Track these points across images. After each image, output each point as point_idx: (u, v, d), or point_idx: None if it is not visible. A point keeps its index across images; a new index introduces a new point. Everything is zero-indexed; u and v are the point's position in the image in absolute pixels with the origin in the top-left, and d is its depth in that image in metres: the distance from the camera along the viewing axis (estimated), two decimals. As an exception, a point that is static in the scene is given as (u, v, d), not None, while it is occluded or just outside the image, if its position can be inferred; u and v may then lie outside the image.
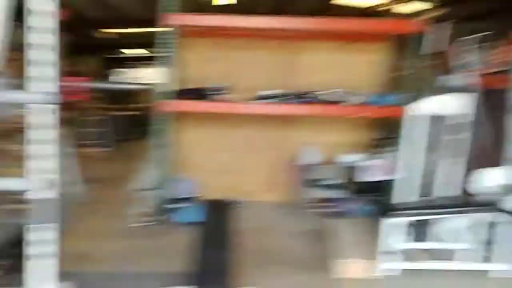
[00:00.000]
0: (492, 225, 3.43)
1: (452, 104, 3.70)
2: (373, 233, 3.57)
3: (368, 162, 4.87)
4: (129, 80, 14.33)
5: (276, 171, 5.54)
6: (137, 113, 10.98)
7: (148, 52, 13.17)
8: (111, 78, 14.62)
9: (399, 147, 3.77)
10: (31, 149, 1.94)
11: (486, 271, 3.43)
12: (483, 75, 3.95)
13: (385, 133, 5.12)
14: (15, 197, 2.03)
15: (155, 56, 4.90)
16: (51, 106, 1.96)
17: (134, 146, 8.54)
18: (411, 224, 3.49)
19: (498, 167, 3.47)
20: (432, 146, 3.83)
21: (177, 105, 4.66)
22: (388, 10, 8.55)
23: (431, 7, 7.42)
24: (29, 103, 1.94)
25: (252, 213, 5.05)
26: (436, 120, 3.79)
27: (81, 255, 3.55)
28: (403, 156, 3.74)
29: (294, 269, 3.59)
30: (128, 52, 14.20)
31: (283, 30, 4.84)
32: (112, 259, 3.71)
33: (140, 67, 14.57)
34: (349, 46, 5.24)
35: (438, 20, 4.74)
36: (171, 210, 4.74)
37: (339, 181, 4.99)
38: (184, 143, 5.36)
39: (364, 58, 5.29)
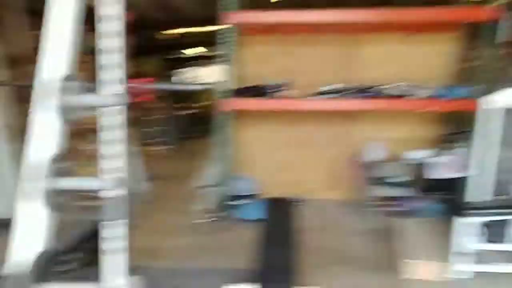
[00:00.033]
0: None
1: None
2: (442, 233, 3.46)
3: (438, 159, 4.66)
4: (190, 80, 14.73)
5: (338, 168, 5.43)
6: (199, 111, 11.28)
7: (207, 51, 13.44)
8: (173, 78, 15.12)
9: (471, 143, 3.66)
10: (103, 149, 2.04)
11: None
12: None
13: (456, 128, 4.88)
14: (87, 194, 2.14)
15: (215, 55, 4.98)
16: (120, 107, 2.04)
17: (196, 144, 8.78)
18: (484, 224, 3.35)
19: None
20: (507, 141, 3.63)
21: (237, 103, 4.70)
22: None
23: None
24: (101, 106, 2.03)
25: (314, 211, 4.99)
26: (512, 113, 3.58)
27: (147, 251, 3.69)
28: (475, 152, 3.62)
29: (358, 269, 3.52)
30: (188, 51, 14.59)
31: (344, 23, 4.70)
32: (176, 255, 3.85)
33: (200, 66, 14.92)
34: (413, 37, 4.99)
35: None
36: (232, 207, 4.82)
37: (405, 179, 4.78)
38: (244, 140, 5.41)
39: (431, 49, 5.01)
